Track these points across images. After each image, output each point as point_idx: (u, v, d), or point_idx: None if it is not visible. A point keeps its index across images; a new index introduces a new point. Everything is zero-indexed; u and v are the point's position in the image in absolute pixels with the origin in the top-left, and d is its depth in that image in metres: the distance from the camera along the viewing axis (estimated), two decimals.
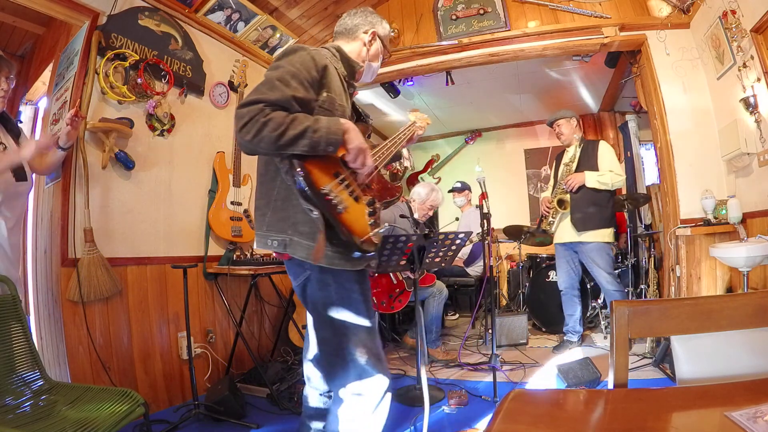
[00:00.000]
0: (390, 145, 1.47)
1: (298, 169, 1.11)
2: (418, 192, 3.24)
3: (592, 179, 2.94)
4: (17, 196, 1.78)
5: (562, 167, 3.16)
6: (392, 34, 1.62)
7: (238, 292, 2.90)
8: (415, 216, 3.21)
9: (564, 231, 3.10)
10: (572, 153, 3.11)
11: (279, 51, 3.20)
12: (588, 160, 3.04)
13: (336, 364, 1.27)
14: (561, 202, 3.07)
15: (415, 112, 1.72)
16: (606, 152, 3.04)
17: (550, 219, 3.15)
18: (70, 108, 2.03)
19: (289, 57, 1.22)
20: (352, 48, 1.46)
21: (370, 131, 1.53)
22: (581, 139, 3.15)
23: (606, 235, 3.00)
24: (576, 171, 3.04)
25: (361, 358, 1.24)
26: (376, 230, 1.21)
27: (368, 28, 1.46)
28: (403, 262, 2.46)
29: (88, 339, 2.02)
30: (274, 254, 1.38)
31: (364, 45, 1.46)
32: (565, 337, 3.19)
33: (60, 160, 1.99)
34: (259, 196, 1.33)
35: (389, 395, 1.28)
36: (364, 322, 1.27)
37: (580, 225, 2.99)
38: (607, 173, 2.93)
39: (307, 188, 1.10)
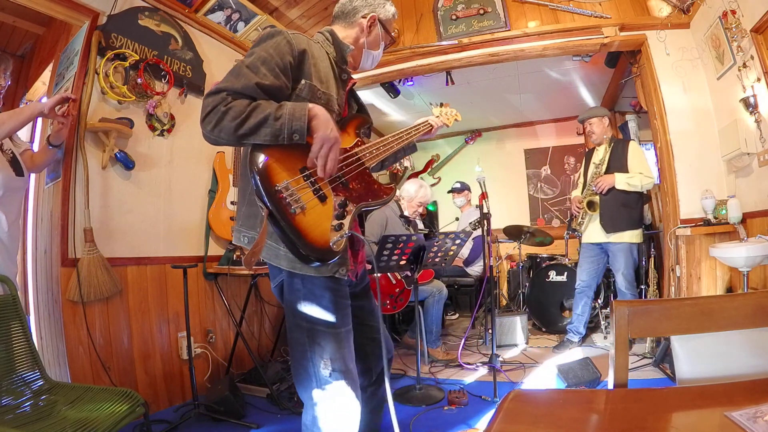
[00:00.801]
0: (392, 140, 1.34)
1: (257, 161, 1.03)
2: (407, 189, 3.24)
3: (621, 181, 2.93)
4: (17, 191, 1.80)
5: (591, 167, 3.15)
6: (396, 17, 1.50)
7: (238, 292, 2.90)
8: (406, 213, 3.22)
9: (593, 232, 3.10)
10: (602, 154, 3.10)
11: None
12: (618, 161, 3.03)
13: (300, 372, 1.19)
14: (591, 204, 3.06)
15: (444, 107, 1.61)
16: (636, 153, 3.03)
17: (580, 219, 3.15)
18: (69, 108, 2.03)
19: (264, 42, 1.15)
20: (348, 33, 1.35)
21: (370, 124, 1.40)
22: (612, 139, 3.14)
23: (634, 235, 3.00)
24: (606, 172, 3.03)
25: (324, 369, 1.15)
26: (336, 237, 1.07)
27: (368, 12, 1.35)
28: (403, 263, 2.46)
29: (88, 339, 2.02)
30: None
31: (363, 30, 1.35)
32: (566, 336, 3.19)
33: (51, 158, 1.99)
34: (239, 190, 1.27)
35: (353, 410, 1.19)
36: (332, 332, 1.18)
37: (609, 226, 2.98)
38: (637, 175, 2.92)
39: (259, 183, 1.01)
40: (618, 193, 2.96)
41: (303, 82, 1.18)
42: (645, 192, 3.07)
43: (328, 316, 1.18)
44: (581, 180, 3.31)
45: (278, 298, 1.29)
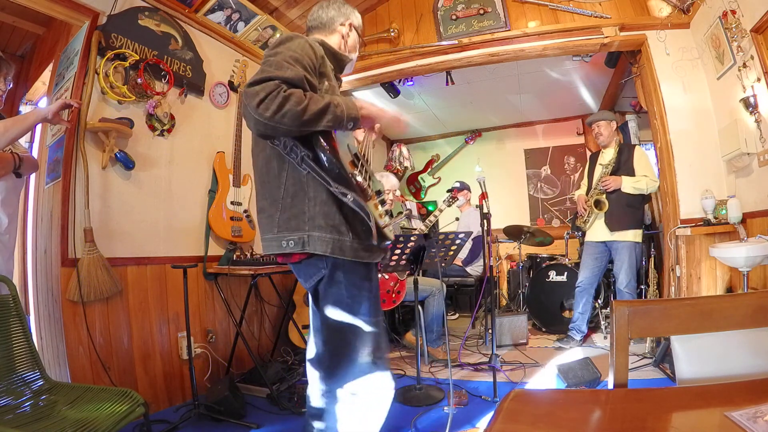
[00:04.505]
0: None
1: (326, 147, 1.08)
2: None
3: (628, 184, 3.03)
4: (15, 192, 1.81)
5: (599, 168, 3.22)
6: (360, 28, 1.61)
7: (238, 292, 2.90)
8: None
9: (597, 230, 3.17)
10: (610, 156, 3.16)
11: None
12: (625, 164, 3.12)
13: (339, 363, 1.25)
14: (598, 203, 3.13)
15: None
16: (641, 157, 3.12)
17: (586, 218, 3.23)
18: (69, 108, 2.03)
19: (287, 44, 1.17)
20: (331, 42, 1.42)
21: None
22: (619, 143, 3.22)
23: (637, 235, 3.09)
24: (612, 174, 3.11)
25: (365, 357, 1.22)
26: (392, 221, 1.22)
27: (344, 20, 1.43)
28: (403, 262, 2.46)
29: (88, 339, 2.02)
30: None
31: (342, 37, 1.43)
32: (569, 333, 3.22)
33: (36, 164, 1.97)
34: (261, 198, 1.26)
35: (391, 394, 1.27)
36: (372, 321, 1.25)
37: (614, 225, 3.08)
38: (643, 179, 3.01)
39: (338, 169, 1.08)
40: (623, 194, 3.06)
41: (327, 84, 1.24)
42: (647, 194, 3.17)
43: (368, 306, 1.25)
44: (585, 181, 3.40)
45: (311, 296, 1.32)
